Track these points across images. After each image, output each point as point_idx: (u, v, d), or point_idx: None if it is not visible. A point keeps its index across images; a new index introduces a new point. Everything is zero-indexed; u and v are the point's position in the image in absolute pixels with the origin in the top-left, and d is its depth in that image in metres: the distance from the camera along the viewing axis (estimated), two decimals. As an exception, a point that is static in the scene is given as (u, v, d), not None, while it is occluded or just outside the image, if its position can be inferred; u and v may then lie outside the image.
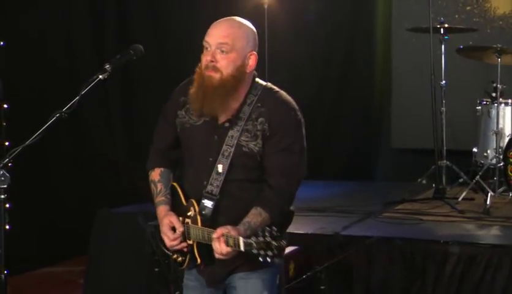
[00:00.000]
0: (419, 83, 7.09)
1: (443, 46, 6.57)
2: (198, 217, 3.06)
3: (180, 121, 3.18)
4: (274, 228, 2.77)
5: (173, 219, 3.11)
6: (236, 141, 3.05)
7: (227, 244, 2.87)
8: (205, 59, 3.04)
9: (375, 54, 8.13)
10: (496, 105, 6.23)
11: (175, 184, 3.22)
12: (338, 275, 4.77)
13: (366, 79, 8.12)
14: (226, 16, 3.13)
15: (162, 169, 3.24)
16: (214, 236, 2.91)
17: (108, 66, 3.11)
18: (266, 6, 7.54)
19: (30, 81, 6.87)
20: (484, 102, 6.42)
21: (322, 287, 4.44)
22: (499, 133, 6.17)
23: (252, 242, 2.74)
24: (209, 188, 3.06)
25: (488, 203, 5.77)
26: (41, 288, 6.40)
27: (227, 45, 3.00)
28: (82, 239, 6.11)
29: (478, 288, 4.60)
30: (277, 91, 3.14)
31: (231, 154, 3.04)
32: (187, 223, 3.10)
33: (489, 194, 5.83)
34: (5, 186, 2.94)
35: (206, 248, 3.03)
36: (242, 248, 2.79)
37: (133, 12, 7.94)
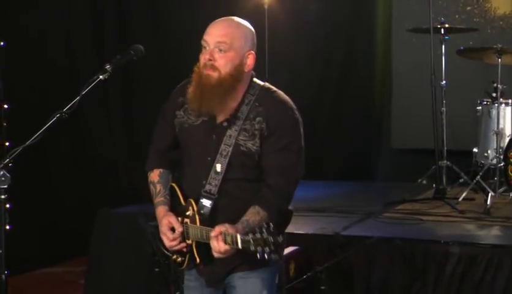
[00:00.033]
0: (419, 83, 7.09)
1: (443, 47, 6.57)
2: (197, 217, 3.07)
3: (178, 121, 3.19)
4: (270, 224, 2.77)
5: (171, 220, 3.12)
6: (234, 141, 3.06)
7: (225, 242, 2.88)
8: (203, 57, 3.05)
9: (375, 54, 8.13)
10: (496, 105, 6.23)
11: (174, 184, 3.23)
12: (338, 275, 4.78)
13: (366, 79, 8.12)
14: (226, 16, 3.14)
15: (161, 170, 3.25)
16: (212, 234, 2.92)
17: (108, 66, 3.12)
18: (266, 6, 7.54)
19: (30, 81, 6.87)
20: (485, 102, 6.42)
21: (322, 287, 4.44)
22: (499, 134, 6.17)
23: (250, 239, 2.75)
24: (207, 187, 3.07)
25: (488, 203, 5.77)
26: (41, 288, 6.40)
27: (225, 43, 3.01)
28: (82, 240, 6.11)
29: (478, 288, 4.60)
30: (275, 91, 3.15)
31: (229, 154, 3.06)
32: (186, 223, 3.11)
33: (490, 194, 5.83)
34: (5, 186, 2.94)
35: (205, 248, 3.03)
36: (239, 245, 2.80)
37: (133, 12, 7.94)
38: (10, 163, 2.97)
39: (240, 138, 3.06)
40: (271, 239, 2.72)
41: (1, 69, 6.24)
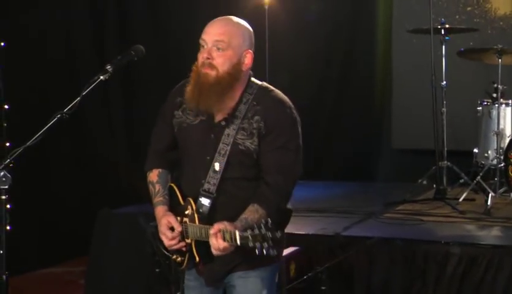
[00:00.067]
0: (419, 83, 7.09)
1: (443, 47, 6.57)
2: (196, 215, 3.08)
3: (177, 121, 3.20)
4: (269, 220, 2.78)
5: (171, 219, 3.13)
6: (232, 140, 3.07)
7: (224, 239, 2.89)
8: (201, 56, 3.06)
9: (375, 54, 8.13)
10: (497, 105, 6.24)
11: (173, 184, 3.25)
12: (339, 275, 4.78)
13: (367, 80, 8.12)
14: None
15: (160, 170, 3.27)
16: (211, 231, 2.93)
17: (109, 67, 3.13)
18: (266, 6, 7.54)
19: (30, 81, 6.86)
20: (485, 103, 6.43)
21: (323, 287, 4.44)
22: (500, 134, 6.17)
23: (248, 235, 2.76)
24: (206, 186, 3.08)
25: (489, 203, 5.77)
26: (42, 288, 6.39)
27: (223, 42, 3.03)
28: (83, 240, 6.11)
29: (478, 288, 4.60)
30: (272, 90, 3.16)
31: (228, 152, 3.07)
32: (185, 222, 3.12)
33: (490, 195, 5.83)
34: (6, 187, 2.94)
35: (204, 246, 3.04)
36: (238, 241, 2.81)
37: (133, 12, 7.94)
38: (11, 163, 2.97)
39: (238, 136, 3.07)
40: (269, 234, 2.73)
41: (1, 69, 6.24)
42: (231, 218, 2.97)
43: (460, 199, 6.06)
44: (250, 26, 3.18)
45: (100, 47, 7.62)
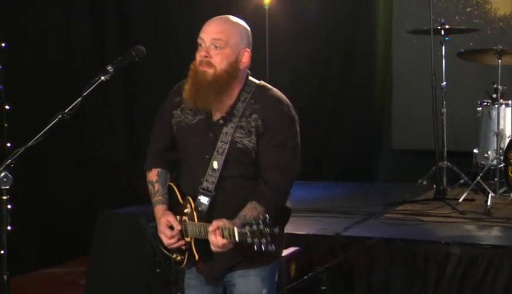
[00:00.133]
0: (419, 84, 7.09)
1: (443, 48, 6.57)
2: (195, 214, 3.09)
3: (176, 121, 3.21)
4: (267, 216, 2.79)
5: (170, 218, 3.14)
6: (230, 138, 3.08)
7: (223, 236, 2.90)
8: (199, 55, 3.07)
9: (375, 54, 8.13)
10: (496, 106, 6.24)
11: (172, 183, 3.26)
12: (339, 275, 4.78)
13: (367, 80, 8.12)
14: (226, 18, 3.15)
15: (159, 169, 3.28)
16: (210, 228, 2.94)
17: (110, 67, 3.13)
18: (266, 7, 7.55)
19: (31, 81, 6.87)
20: (485, 103, 6.43)
21: (323, 288, 4.44)
22: (500, 134, 6.18)
23: (246, 231, 2.77)
24: (204, 184, 3.10)
25: (489, 203, 5.77)
26: (42, 288, 6.40)
27: (221, 40, 3.04)
28: (83, 240, 6.11)
29: (479, 288, 4.60)
30: (270, 88, 3.17)
31: (226, 151, 3.08)
32: (184, 220, 3.13)
33: (490, 195, 5.83)
34: (7, 187, 2.95)
35: (203, 244, 3.05)
36: (237, 238, 2.82)
37: (134, 12, 7.94)
38: (12, 163, 2.97)
39: (236, 135, 3.08)
40: (267, 230, 2.74)
41: (2, 70, 6.24)
42: (230, 217, 2.97)
43: (460, 200, 6.07)
44: (251, 26, 3.19)
45: (100, 47, 7.63)
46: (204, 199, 3.09)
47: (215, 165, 3.08)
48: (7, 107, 6.18)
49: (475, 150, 6.44)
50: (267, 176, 3.07)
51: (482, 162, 6.33)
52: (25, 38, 6.81)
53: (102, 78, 3.12)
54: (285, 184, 3.12)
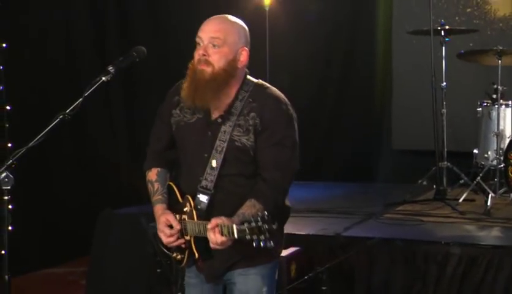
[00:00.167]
0: (419, 84, 7.10)
1: (443, 48, 6.58)
2: (194, 212, 3.10)
3: (175, 120, 3.23)
4: (265, 213, 2.80)
5: (169, 217, 3.15)
6: (228, 136, 3.09)
7: (222, 234, 2.91)
8: (197, 53, 3.09)
9: (375, 55, 8.14)
10: (496, 106, 6.24)
11: (171, 183, 3.27)
12: (339, 276, 4.78)
13: (367, 80, 8.13)
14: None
15: (159, 169, 3.29)
16: (209, 226, 2.95)
17: (111, 68, 3.14)
18: (267, 8, 7.55)
19: (31, 81, 6.87)
20: (485, 104, 6.44)
21: (324, 288, 4.45)
22: (500, 135, 6.18)
23: (245, 228, 2.78)
24: (203, 183, 3.11)
25: (489, 204, 5.78)
26: (43, 289, 6.40)
27: (219, 39, 3.05)
28: (84, 240, 6.12)
29: (479, 289, 4.60)
30: (268, 87, 3.19)
31: (224, 149, 3.09)
32: (184, 219, 3.14)
33: (490, 195, 5.84)
34: (9, 187, 2.95)
35: (203, 242, 3.06)
36: (235, 235, 2.83)
37: (134, 12, 7.95)
38: (13, 164, 2.98)
39: (234, 133, 3.10)
40: (265, 226, 2.75)
41: (3, 71, 6.25)
42: (229, 215, 2.98)
43: (460, 200, 6.07)
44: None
45: (100, 47, 7.63)
46: (203, 198, 3.10)
47: (214, 163, 3.10)
48: (7, 107, 6.19)
49: (475, 151, 6.45)
50: (266, 174, 3.08)
51: (482, 162, 6.34)
52: (25, 38, 6.82)
53: (103, 78, 3.13)
54: (284, 182, 3.13)
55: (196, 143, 3.16)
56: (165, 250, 3.24)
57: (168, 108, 3.25)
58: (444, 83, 6.54)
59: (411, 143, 7.76)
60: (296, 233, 5.00)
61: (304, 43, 8.12)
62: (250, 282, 3.18)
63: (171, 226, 3.14)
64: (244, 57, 3.11)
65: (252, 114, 3.09)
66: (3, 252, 3.02)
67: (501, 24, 7.63)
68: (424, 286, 4.73)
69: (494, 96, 6.29)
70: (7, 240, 3.01)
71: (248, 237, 2.77)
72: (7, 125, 6.14)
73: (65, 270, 6.83)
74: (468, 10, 7.73)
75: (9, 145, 5.95)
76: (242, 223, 2.82)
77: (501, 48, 6.18)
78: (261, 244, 2.76)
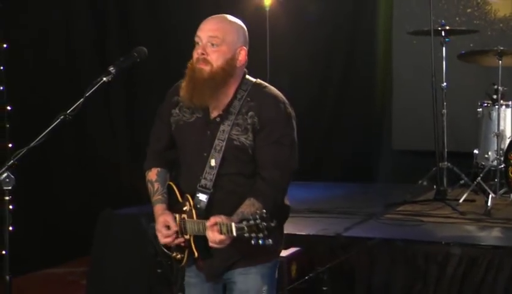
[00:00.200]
0: (420, 84, 7.10)
1: (444, 49, 6.58)
2: (193, 211, 3.11)
3: (174, 120, 3.23)
4: (263, 210, 2.81)
5: (168, 218, 3.16)
6: (227, 136, 3.10)
7: (220, 232, 2.91)
8: (196, 52, 3.10)
9: (376, 55, 8.14)
10: (497, 106, 6.25)
11: (171, 183, 3.27)
12: (340, 276, 4.79)
13: (367, 80, 8.13)
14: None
15: (159, 169, 3.30)
16: (208, 224, 2.96)
17: (112, 68, 3.14)
18: (267, 8, 7.56)
19: (31, 81, 6.87)
20: (485, 104, 6.44)
21: (324, 288, 4.45)
22: (500, 135, 6.18)
23: (244, 226, 2.79)
24: (203, 182, 3.11)
25: (489, 204, 5.78)
26: (43, 289, 6.40)
27: (217, 38, 3.06)
28: (84, 240, 6.11)
29: (479, 289, 4.60)
30: (266, 86, 3.19)
31: (223, 148, 3.10)
32: (184, 218, 3.15)
33: (490, 196, 5.84)
34: (10, 187, 2.96)
35: (202, 241, 3.07)
36: (234, 233, 2.84)
37: (134, 12, 7.94)
38: (14, 164, 2.98)
39: (233, 132, 3.10)
40: (264, 224, 2.76)
41: (3, 71, 6.25)
42: (229, 214, 2.99)
43: (461, 200, 6.07)
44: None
45: (100, 47, 7.63)
46: (202, 197, 3.11)
47: (213, 162, 3.10)
48: (8, 108, 6.19)
49: (475, 151, 6.45)
50: (264, 172, 3.09)
51: (483, 163, 6.34)
52: (25, 38, 6.81)
53: (104, 79, 3.13)
54: (283, 180, 3.13)
55: (196, 143, 3.16)
56: (166, 250, 3.25)
57: (167, 107, 3.26)
58: (445, 83, 6.54)
59: (411, 143, 7.76)
60: (297, 233, 5.00)
61: (304, 43, 8.12)
62: (250, 281, 3.19)
63: (168, 227, 3.15)
64: (242, 56, 3.12)
65: (251, 113, 3.10)
66: (4, 252, 3.03)
67: (501, 25, 7.63)
68: (425, 286, 4.73)
69: (494, 96, 6.29)
70: (8, 240, 3.01)
71: (246, 235, 2.78)
72: (8, 126, 6.15)
73: (65, 270, 6.82)
74: (469, 10, 7.74)
75: (10, 145, 5.96)
76: (240, 221, 2.83)
77: (501, 48, 6.18)
78: (260, 242, 2.76)
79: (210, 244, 2.98)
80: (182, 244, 3.17)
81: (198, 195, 3.12)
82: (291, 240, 4.57)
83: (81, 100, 3.06)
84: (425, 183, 6.63)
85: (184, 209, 3.15)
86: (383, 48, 8.13)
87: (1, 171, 2.95)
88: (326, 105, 8.30)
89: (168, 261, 3.29)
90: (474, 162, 6.47)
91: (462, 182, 6.45)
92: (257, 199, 3.02)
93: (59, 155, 7.04)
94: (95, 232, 5.84)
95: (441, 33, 6.56)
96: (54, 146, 6.48)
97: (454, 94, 6.79)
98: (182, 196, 3.19)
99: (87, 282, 5.90)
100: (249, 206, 3.00)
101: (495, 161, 6.15)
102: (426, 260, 4.76)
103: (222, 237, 2.92)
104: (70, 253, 6.87)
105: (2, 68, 6.30)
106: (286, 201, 3.24)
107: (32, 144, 3.00)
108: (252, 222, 2.77)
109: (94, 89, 3.10)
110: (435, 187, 6.40)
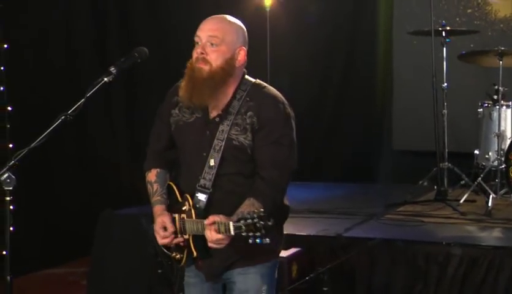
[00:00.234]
0: (420, 85, 7.10)
1: (444, 49, 6.58)
2: (193, 211, 3.12)
3: (174, 120, 3.24)
4: (261, 210, 2.82)
5: (165, 219, 3.17)
6: (226, 135, 3.10)
7: (219, 231, 2.92)
8: (196, 52, 3.11)
9: (376, 55, 8.14)
10: (497, 107, 6.25)
11: (171, 183, 3.28)
12: (340, 276, 4.78)
13: (367, 80, 8.13)
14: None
15: (158, 169, 3.31)
16: (206, 222, 2.97)
17: (113, 69, 3.14)
18: (267, 9, 7.56)
19: (31, 82, 6.87)
20: (486, 104, 6.44)
21: (325, 289, 4.44)
22: (500, 136, 6.19)
23: (241, 225, 2.79)
24: (202, 182, 3.12)
25: (490, 204, 5.78)
26: (44, 289, 6.40)
27: (217, 38, 3.07)
28: (85, 241, 6.11)
29: (480, 289, 4.60)
30: (265, 86, 3.20)
31: (222, 148, 3.10)
32: (183, 218, 3.15)
33: (491, 196, 5.84)
34: (10, 188, 2.96)
35: (201, 240, 3.07)
36: (232, 232, 2.84)
37: (134, 12, 7.95)
38: (15, 165, 2.98)
39: (232, 132, 3.11)
40: (261, 223, 2.76)
41: (4, 71, 6.25)
42: (228, 214, 2.99)
43: (461, 201, 6.07)
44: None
45: (101, 47, 7.63)
46: (201, 197, 3.11)
47: (212, 162, 3.11)
48: (9, 108, 6.19)
49: (476, 152, 6.45)
50: (264, 172, 3.09)
51: (483, 163, 6.34)
52: (25, 38, 6.82)
53: (105, 79, 3.13)
54: (282, 180, 3.14)
55: (195, 142, 3.17)
56: (165, 250, 3.25)
57: (167, 108, 3.27)
58: (445, 84, 6.54)
59: (411, 143, 7.76)
60: (297, 233, 5.00)
61: (304, 43, 8.13)
62: (250, 281, 3.19)
63: (166, 228, 3.16)
64: (241, 56, 3.12)
65: (250, 113, 3.10)
66: (4, 252, 3.03)
67: (502, 25, 7.63)
68: (425, 287, 4.73)
69: (495, 97, 6.29)
70: (9, 240, 3.01)
71: (244, 234, 2.79)
72: (8, 126, 6.14)
73: (66, 270, 6.83)
74: (469, 10, 7.74)
75: (10, 146, 5.96)
76: (238, 220, 2.84)
77: (502, 48, 6.18)
78: (257, 241, 2.77)
79: (209, 244, 2.99)
80: (182, 244, 3.18)
81: (197, 194, 3.12)
82: (292, 240, 4.58)
83: (82, 100, 3.06)
84: (425, 183, 6.63)
85: (184, 208, 3.15)
86: (383, 48, 8.13)
87: (2, 171, 2.95)
88: (326, 105, 8.30)
89: (168, 261, 3.30)
90: (474, 162, 6.47)
91: (462, 182, 6.45)
92: (257, 199, 3.02)
93: (59, 155, 7.05)
94: (95, 232, 5.84)
95: (442, 33, 6.56)
96: (54, 147, 6.48)
97: (454, 94, 6.79)
98: (181, 196, 3.20)
99: (87, 282, 5.90)
100: (249, 206, 3.00)
101: (496, 161, 6.16)
102: (427, 260, 4.76)
103: (220, 236, 2.92)
104: (70, 253, 6.87)
105: (2, 68, 6.30)
106: (286, 201, 3.25)
107: (32, 144, 3.00)
108: (249, 220, 2.78)
109: (95, 89, 3.10)
110: (435, 187, 6.41)
